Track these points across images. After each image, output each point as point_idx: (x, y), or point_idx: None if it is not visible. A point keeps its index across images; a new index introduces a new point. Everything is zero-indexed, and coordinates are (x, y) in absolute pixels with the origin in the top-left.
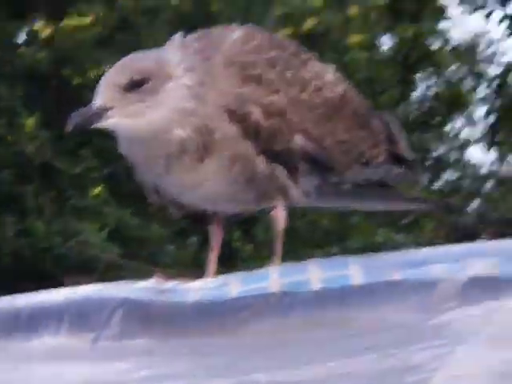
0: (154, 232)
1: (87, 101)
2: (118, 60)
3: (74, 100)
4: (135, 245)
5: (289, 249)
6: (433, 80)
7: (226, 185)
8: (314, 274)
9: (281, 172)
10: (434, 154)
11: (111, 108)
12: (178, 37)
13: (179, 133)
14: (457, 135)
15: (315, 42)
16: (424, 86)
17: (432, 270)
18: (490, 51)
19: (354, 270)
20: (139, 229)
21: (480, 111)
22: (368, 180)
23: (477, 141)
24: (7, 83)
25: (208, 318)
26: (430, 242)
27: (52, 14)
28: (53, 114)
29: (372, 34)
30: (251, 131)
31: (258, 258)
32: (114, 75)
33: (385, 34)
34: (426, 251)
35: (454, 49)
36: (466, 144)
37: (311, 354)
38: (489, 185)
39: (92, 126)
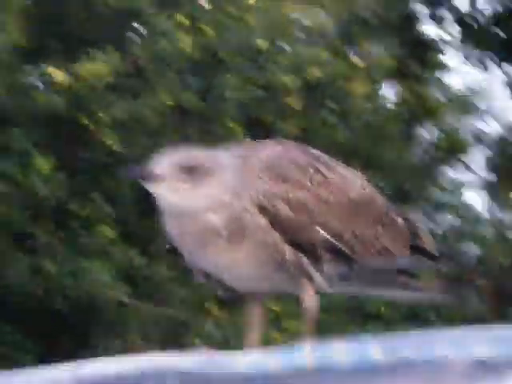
0: (161, 272)
1: (98, 144)
2: (130, 105)
3: (87, 143)
4: (143, 285)
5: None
6: (432, 130)
7: (256, 268)
8: (341, 351)
9: (305, 259)
10: (435, 199)
11: (165, 178)
12: (223, 147)
13: (213, 218)
14: (456, 181)
15: (321, 91)
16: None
17: (441, 351)
18: (490, 106)
19: (375, 349)
20: (147, 269)
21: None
22: (393, 268)
23: (477, 187)
24: (22, 126)
25: None
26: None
27: (66, 59)
28: (65, 157)
29: (376, 85)
30: (278, 224)
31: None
32: (175, 155)
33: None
34: (436, 333)
35: (454, 100)
36: (465, 189)
37: None
38: (490, 231)
39: (144, 183)
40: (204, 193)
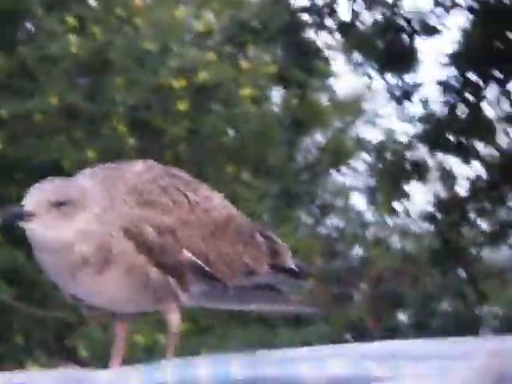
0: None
1: None
2: (17, 105)
3: None
4: (28, 287)
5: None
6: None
7: (124, 291)
8: (203, 369)
9: (171, 281)
10: (319, 201)
11: (35, 215)
12: (88, 169)
13: (82, 249)
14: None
15: (208, 94)
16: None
17: (300, 368)
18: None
19: (236, 367)
20: (32, 271)
21: (363, 160)
22: (256, 285)
23: (360, 190)
24: None
25: None
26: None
27: None
28: None
29: (262, 89)
30: (145, 247)
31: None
32: (46, 191)
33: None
34: (297, 350)
35: (339, 103)
36: (349, 191)
37: None
38: (372, 231)
39: (15, 222)
40: (73, 225)
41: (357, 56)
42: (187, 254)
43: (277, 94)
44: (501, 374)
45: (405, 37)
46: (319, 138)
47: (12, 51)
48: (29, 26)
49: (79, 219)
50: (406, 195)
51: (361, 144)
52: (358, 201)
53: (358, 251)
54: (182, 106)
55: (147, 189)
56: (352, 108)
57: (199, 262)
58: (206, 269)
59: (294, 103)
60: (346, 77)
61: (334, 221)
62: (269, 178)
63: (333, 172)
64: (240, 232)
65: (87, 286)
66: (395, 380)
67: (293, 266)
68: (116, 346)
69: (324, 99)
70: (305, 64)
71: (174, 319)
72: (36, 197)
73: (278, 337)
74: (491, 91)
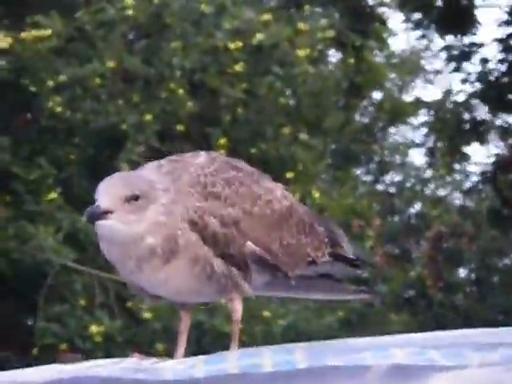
0: None
1: (41, 108)
2: (75, 70)
3: (31, 108)
4: (91, 250)
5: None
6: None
7: (189, 281)
8: (267, 358)
9: (235, 271)
10: (377, 158)
11: (112, 212)
12: (153, 162)
13: (150, 240)
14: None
15: (264, 56)
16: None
17: (363, 357)
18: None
19: (300, 355)
20: (94, 235)
21: (421, 117)
22: (316, 273)
23: (418, 145)
24: None
25: None
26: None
27: (11, 24)
28: (9, 121)
29: (319, 49)
30: (209, 238)
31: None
32: (118, 186)
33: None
34: (359, 340)
35: (396, 63)
36: (408, 147)
37: None
38: (431, 187)
39: (95, 222)
40: (145, 218)
41: (415, 15)
42: (251, 246)
43: (333, 54)
44: None
45: None
46: (377, 96)
47: (70, 16)
48: None
49: (150, 211)
50: (465, 157)
51: (419, 103)
52: (417, 158)
53: (416, 208)
54: (239, 67)
55: (211, 181)
56: (410, 67)
57: (263, 253)
58: (269, 260)
59: (351, 64)
60: (404, 35)
61: (392, 178)
62: (326, 138)
63: (391, 130)
64: (301, 222)
65: (153, 277)
66: (459, 369)
67: (351, 256)
68: (180, 335)
69: (381, 59)
70: (362, 26)
71: (238, 309)
72: (109, 193)
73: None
74: None
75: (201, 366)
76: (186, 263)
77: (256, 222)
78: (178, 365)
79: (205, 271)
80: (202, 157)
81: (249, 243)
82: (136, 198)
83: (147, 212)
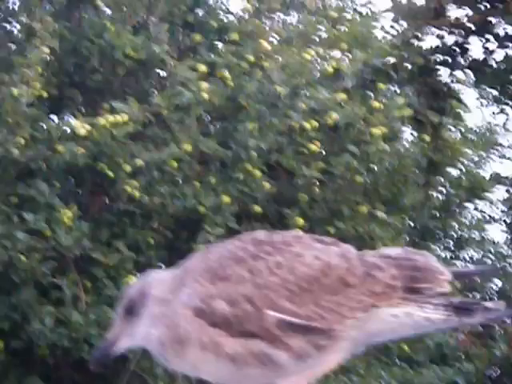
0: None
1: (118, 192)
2: (152, 154)
3: (108, 193)
4: None
5: None
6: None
7: (216, 367)
8: None
9: (259, 344)
10: (455, 234)
11: (118, 335)
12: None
13: (154, 332)
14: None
15: (340, 134)
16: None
17: None
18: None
19: None
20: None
21: (499, 193)
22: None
23: (497, 220)
24: (45, 179)
25: None
26: None
27: (87, 111)
28: (88, 207)
29: (394, 126)
30: (219, 321)
31: None
32: (118, 306)
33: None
34: None
35: (472, 139)
36: (485, 223)
37: None
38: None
39: (110, 356)
40: (142, 320)
41: (490, 91)
42: (272, 314)
43: (408, 132)
44: None
45: None
46: (454, 172)
47: (146, 101)
48: (161, 74)
49: (146, 311)
50: None
51: (496, 178)
52: (495, 234)
53: (497, 285)
54: (315, 147)
55: (222, 264)
56: (485, 142)
57: (288, 317)
58: (300, 322)
59: (427, 141)
60: (478, 112)
61: (470, 254)
62: (404, 215)
63: (468, 206)
64: (341, 277)
65: (183, 367)
66: None
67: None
68: None
69: (457, 135)
70: (438, 104)
71: None
72: (115, 321)
73: (421, 376)
74: None
75: None
76: (197, 349)
77: (276, 292)
78: None
79: (221, 354)
80: (228, 243)
81: (269, 313)
82: (131, 309)
83: (142, 314)
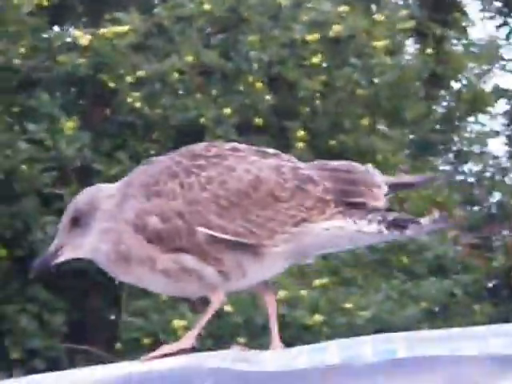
0: None
1: (119, 103)
2: (153, 65)
3: (109, 104)
4: None
5: None
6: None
7: (157, 281)
8: (369, 348)
9: (189, 261)
10: (455, 148)
11: (62, 245)
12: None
13: (103, 247)
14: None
15: (342, 47)
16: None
17: (461, 348)
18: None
19: (399, 344)
20: None
21: (500, 106)
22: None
23: (498, 133)
24: (47, 89)
25: None
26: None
27: (89, 22)
28: (89, 118)
29: (396, 39)
30: (153, 237)
31: None
32: (64, 217)
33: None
34: (457, 330)
35: (475, 52)
36: (487, 137)
37: None
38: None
39: (51, 266)
40: (91, 233)
41: (495, 4)
42: (203, 231)
43: (411, 45)
44: None
45: None
46: (455, 86)
47: (148, 12)
48: None
49: (96, 222)
50: None
51: (498, 91)
52: (496, 147)
53: (496, 198)
54: (316, 59)
55: (155, 180)
56: (489, 56)
57: (218, 234)
58: (230, 238)
59: (430, 54)
60: (482, 24)
61: (471, 167)
62: (405, 128)
63: (470, 120)
64: (272, 192)
65: (128, 280)
66: None
67: (380, 202)
68: (270, 323)
69: (460, 48)
70: (441, 16)
71: (213, 300)
72: (60, 226)
73: (420, 287)
74: None
75: (303, 356)
76: (137, 264)
77: (206, 207)
78: (279, 356)
79: (158, 270)
80: (171, 154)
81: (200, 229)
82: (77, 219)
83: (90, 225)
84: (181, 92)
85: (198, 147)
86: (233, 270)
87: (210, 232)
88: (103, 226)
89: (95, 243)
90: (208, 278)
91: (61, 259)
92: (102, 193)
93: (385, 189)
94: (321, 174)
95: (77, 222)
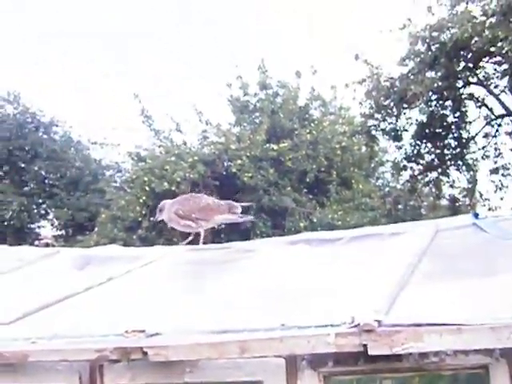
0: None
1: None
2: None
3: None
4: None
5: None
6: None
7: (178, 226)
8: None
9: (189, 223)
10: None
11: (159, 217)
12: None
13: (167, 217)
14: None
15: None
16: None
17: None
18: None
19: None
20: None
21: None
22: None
23: None
24: None
25: None
26: None
27: None
28: None
29: None
30: (179, 216)
31: None
32: (157, 209)
33: None
34: None
35: None
36: None
37: None
38: None
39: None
40: (164, 214)
41: None
42: (194, 216)
43: None
44: None
45: None
46: None
47: None
48: None
49: (166, 211)
50: None
51: None
52: None
53: None
54: None
55: (181, 199)
56: None
57: (196, 216)
58: (196, 216)
59: None
60: None
61: None
62: None
63: None
64: (209, 208)
65: (171, 225)
66: None
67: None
68: None
69: None
70: None
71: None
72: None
73: None
74: None
75: None
76: (174, 222)
77: (194, 209)
78: None
79: (180, 225)
80: (185, 196)
81: (193, 215)
82: (160, 210)
83: (164, 213)
84: None
85: (190, 195)
86: (188, 228)
87: (195, 216)
88: (167, 216)
89: (166, 217)
90: (193, 227)
91: (159, 219)
92: (167, 203)
93: (239, 208)
94: (222, 203)
95: (161, 211)
